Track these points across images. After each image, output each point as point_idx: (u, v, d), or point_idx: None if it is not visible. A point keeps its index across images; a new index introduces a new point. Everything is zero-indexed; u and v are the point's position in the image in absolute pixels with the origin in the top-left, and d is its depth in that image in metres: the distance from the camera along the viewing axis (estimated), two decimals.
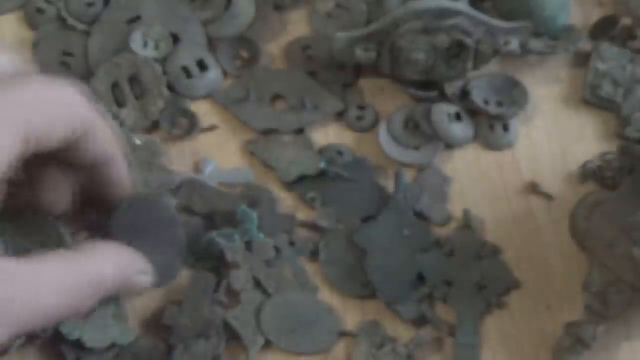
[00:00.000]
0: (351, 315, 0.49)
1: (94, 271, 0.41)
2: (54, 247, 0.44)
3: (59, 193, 0.44)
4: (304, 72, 0.55)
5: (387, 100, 0.55)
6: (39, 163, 0.42)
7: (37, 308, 0.38)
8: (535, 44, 0.54)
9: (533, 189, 0.52)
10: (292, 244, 0.50)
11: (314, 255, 0.50)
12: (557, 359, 0.47)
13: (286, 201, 0.52)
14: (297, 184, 0.52)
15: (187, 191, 0.51)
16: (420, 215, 0.51)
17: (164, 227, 0.43)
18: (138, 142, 0.52)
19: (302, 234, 0.50)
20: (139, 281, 0.43)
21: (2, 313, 0.37)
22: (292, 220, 0.50)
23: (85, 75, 0.55)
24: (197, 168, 0.52)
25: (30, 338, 0.46)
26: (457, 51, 0.52)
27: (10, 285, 0.37)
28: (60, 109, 0.40)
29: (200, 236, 0.49)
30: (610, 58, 0.55)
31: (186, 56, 0.55)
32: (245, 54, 0.56)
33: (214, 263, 0.49)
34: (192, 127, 0.54)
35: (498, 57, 0.55)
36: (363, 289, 0.49)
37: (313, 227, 0.50)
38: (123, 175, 0.44)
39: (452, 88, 0.54)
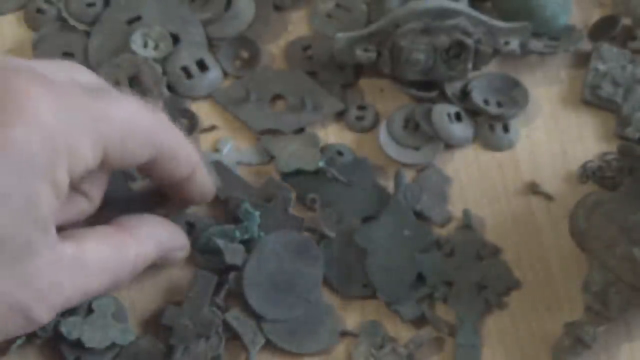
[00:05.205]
0: (351, 315, 0.49)
1: (136, 252, 0.43)
2: None
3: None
4: (304, 72, 0.55)
5: (387, 100, 0.55)
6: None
7: (83, 289, 0.41)
8: (535, 44, 0.54)
9: (533, 189, 0.52)
10: None
11: None
12: (557, 359, 0.47)
13: None
14: (292, 177, 0.52)
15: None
16: (420, 215, 0.51)
17: None
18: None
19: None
20: (177, 256, 0.47)
21: (52, 295, 0.39)
22: (300, 223, 0.50)
23: None
24: (216, 149, 0.53)
25: (30, 338, 0.46)
26: (457, 51, 0.52)
27: (60, 270, 0.39)
28: (141, 133, 0.42)
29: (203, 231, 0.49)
30: (610, 58, 0.55)
31: (186, 56, 0.55)
32: (245, 54, 0.56)
33: (216, 258, 0.48)
34: (192, 127, 0.54)
35: (498, 57, 0.55)
36: (363, 289, 0.49)
37: (318, 233, 0.50)
38: (203, 188, 0.47)
39: (452, 88, 0.54)
